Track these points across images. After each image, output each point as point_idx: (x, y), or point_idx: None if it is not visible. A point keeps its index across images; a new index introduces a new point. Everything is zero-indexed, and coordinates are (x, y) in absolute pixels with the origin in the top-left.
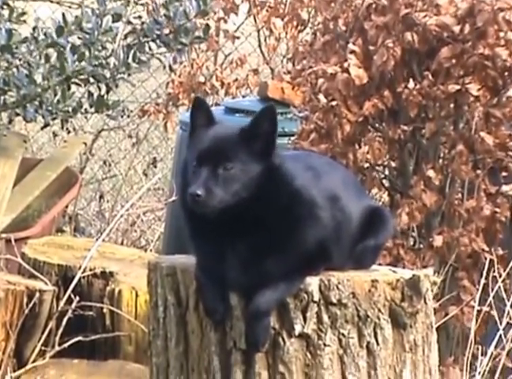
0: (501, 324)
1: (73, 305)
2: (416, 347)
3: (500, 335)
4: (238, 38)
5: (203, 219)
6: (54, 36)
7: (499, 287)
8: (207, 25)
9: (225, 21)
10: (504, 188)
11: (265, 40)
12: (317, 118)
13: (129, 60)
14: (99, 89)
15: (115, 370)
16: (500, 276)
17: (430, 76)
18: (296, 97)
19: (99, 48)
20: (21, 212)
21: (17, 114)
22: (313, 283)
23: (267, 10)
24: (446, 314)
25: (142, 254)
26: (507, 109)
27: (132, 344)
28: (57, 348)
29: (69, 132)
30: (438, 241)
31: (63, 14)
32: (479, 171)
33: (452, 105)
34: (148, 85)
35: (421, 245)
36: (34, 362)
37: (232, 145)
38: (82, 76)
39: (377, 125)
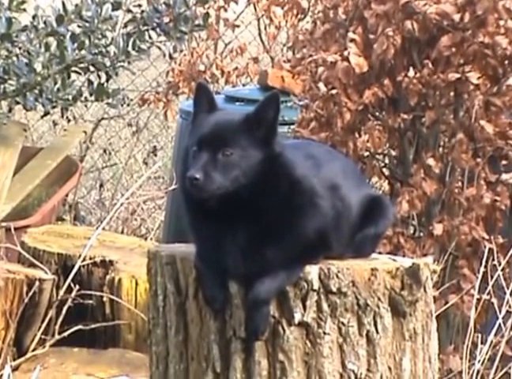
0: (500, 312)
1: (73, 293)
2: (415, 335)
3: (500, 324)
4: (238, 26)
5: (203, 205)
6: (54, 25)
7: (499, 276)
8: (207, 13)
9: (225, 10)
10: (504, 176)
11: (265, 29)
12: (317, 106)
13: (129, 48)
14: (99, 78)
15: (115, 359)
16: (500, 265)
17: (430, 65)
18: (296, 86)
19: (99, 36)
20: (21, 200)
21: (17, 103)
22: (312, 271)
23: None
24: (446, 303)
25: (142, 243)
26: (507, 97)
27: (132, 333)
28: (57, 337)
29: (69, 120)
30: (438, 229)
31: (63, 3)
32: (479, 160)
33: (452, 93)
34: (149, 74)
35: (421, 234)
36: (34, 350)
37: (233, 131)
38: (82, 65)
39: (377, 113)
